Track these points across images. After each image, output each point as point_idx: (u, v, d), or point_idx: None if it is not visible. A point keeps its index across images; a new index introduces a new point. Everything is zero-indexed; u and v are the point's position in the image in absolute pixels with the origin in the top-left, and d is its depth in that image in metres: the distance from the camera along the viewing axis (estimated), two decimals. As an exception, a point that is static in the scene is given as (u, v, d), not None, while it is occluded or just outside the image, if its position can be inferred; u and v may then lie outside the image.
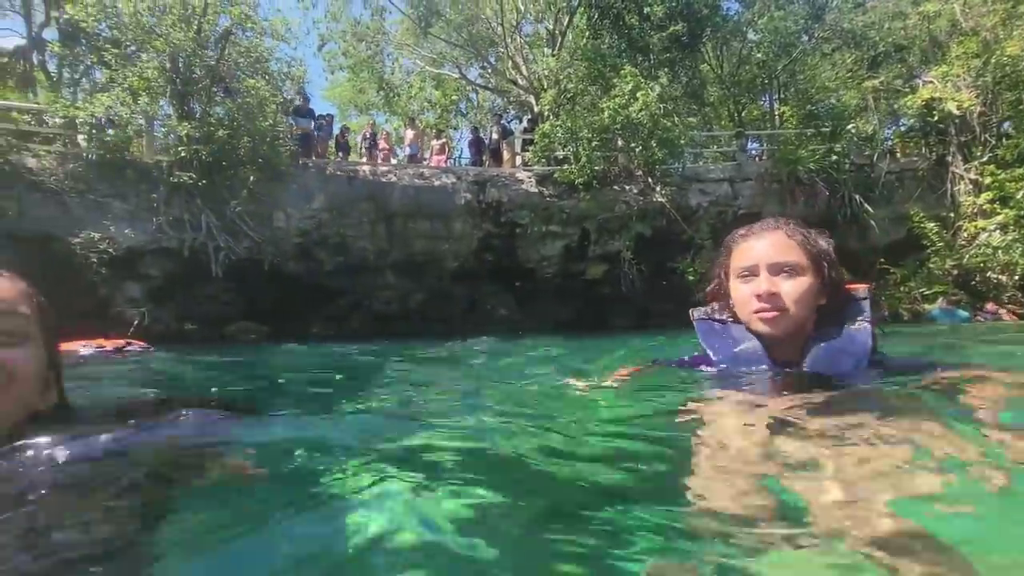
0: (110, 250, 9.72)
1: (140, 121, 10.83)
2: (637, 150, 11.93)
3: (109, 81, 11.09)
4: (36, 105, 11.98)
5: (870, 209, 12.13)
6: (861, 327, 1.39)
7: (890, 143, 13.81)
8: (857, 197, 12.17)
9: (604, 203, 11.93)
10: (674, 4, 12.74)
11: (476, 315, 12.18)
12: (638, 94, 11.12)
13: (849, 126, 12.89)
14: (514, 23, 16.66)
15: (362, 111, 22.10)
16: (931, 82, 12.85)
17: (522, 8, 16.81)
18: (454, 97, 21.97)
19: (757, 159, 14.58)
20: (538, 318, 12.14)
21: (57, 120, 10.86)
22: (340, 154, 13.52)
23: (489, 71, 18.41)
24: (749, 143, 15.40)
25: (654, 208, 11.86)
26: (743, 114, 15.40)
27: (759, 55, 14.29)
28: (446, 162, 13.66)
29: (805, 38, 14.67)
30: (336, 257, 11.40)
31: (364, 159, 13.61)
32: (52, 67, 14.27)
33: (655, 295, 12.03)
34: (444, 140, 14.17)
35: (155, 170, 10.29)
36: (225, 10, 11.24)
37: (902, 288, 11.52)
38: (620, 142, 12.21)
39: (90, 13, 10.64)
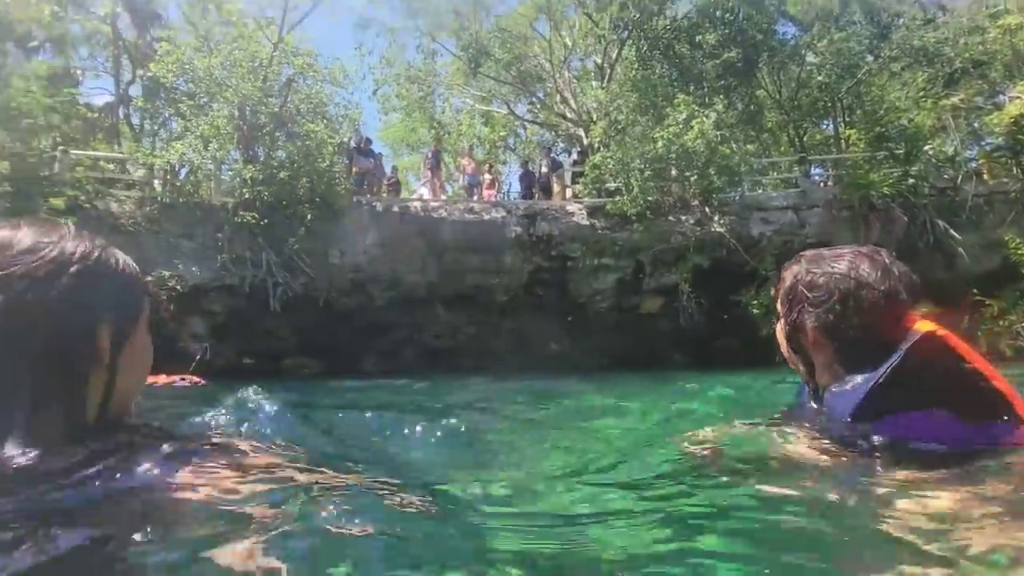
0: (178, 287, 10.16)
1: (210, 166, 11.50)
2: (692, 179, 11.52)
3: (184, 130, 11.90)
4: (120, 155, 12.98)
5: (956, 235, 11.09)
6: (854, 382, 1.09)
7: (975, 164, 12.73)
8: (940, 223, 11.18)
9: (659, 234, 11.51)
10: (727, 31, 12.47)
11: (527, 350, 11.89)
12: (693, 122, 10.79)
13: (926, 147, 11.99)
14: (562, 59, 16.84)
15: (414, 149, 22.79)
16: (1018, 98, 11.84)
17: (570, 44, 17.01)
18: (502, 132, 22.33)
19: (822, 185, 13.79)
20: (591, 354, 11.70)
21: (138, 168, 11.70)
22: (391, 193, 13.87)
23: (537, 106, 18.60)
24: (813, 169, 14.63)
25: (712, 239, 11.32)
26: (804, 139, 14.70)
27: (820, 78, 13.67)
28: (496, 196, 13.71)
29: (870, 58, 13.95)
30: (388, 292, 11.49)
31: (427, 177, 13.92)
32: (135, 120, 15.55)
33: (717, 330, 11.37)
34: (494, 175, 14.28)
35: (221, 211, 10.81)
36: (289, 60, 11.90)
37: (1001, 323, 10.34)
38: (674, 172, 11.85)
39: (170, 70, 11.52)
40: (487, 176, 14.03)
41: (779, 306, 1.27)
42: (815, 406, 1.23)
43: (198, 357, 10.02)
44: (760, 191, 13.26)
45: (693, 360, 11.36)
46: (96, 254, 0.73)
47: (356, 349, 11.10)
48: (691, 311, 11.09)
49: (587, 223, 12.00)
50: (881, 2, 14.59)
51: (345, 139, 13.17)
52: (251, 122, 11.27)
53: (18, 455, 0.62)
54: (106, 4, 14.24)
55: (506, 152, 23.13)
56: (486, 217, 11.95)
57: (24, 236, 0.69)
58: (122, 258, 0.79)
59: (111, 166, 12.04)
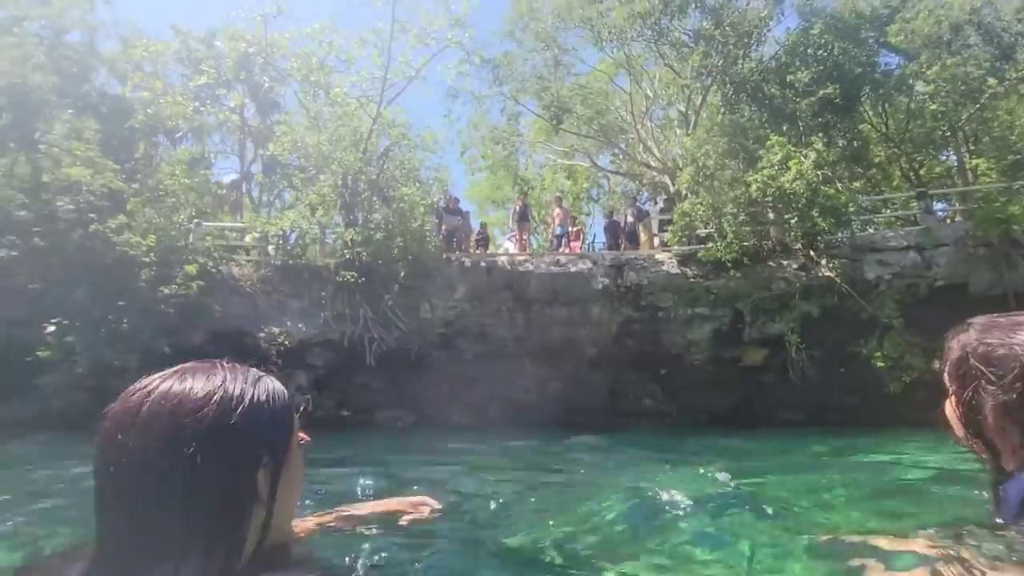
0: (286, 343, 10.90)
1: (316, 230, 12.55)
2: (792, 222, 10.79)
3: (295, 200, 13.17)
4: (241, 224, 14.55)
5: None
6: None
7: None
8: (1110, 258, 9.52)
9: (758, 281, 10.78)
10: (821, 68, 11.89)
11: (618, 404, 11.37)
12: (790, 163, 10.21)
13: (1078, 173, 10.44)
14: (644, 109, 16.90)
15: (499, 206, 23.57)
16: None
17: (651, 95, 17.07)
18: (585, 184, 22.56)
19: (948, 221, 12.37)
20: (689, 409, 10.95)
21: (255, 235, 13.03)
22: (480, 249, 14.32)
23: (620, 156, 18.66)
24: (934, 204, 13.19)
25: (821, 284, 10.40)
26: (921, 172, 13.37)
27: (934, 106, 12.54)
28: (581, 248, 13.65)
29: (993, 81, 12.62)
30: (476, 345, 11.59)
31: (515, 232, 14.24)
32: (255, 193, 17.50)
33: (832, 384, 10.23)
34: (579, 227, 14.29)
35: (325, 271, 11.63)
36: (386, 132, 12.93)
37: None
38: (771, 215, 11.19)
39: (285, 147, 12.93)
40: (572, 228, 14.07)
41: (947, 381, 1.12)
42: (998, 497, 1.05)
43: (302, 408, 10.55)
44: (872, 230, 12.12)
45: (805, 418, 10.24)
46: (252, 392, 0.77)
47: (446, 402, 11.17)
48: (801, 363, 10.08)
49: (678, 271, 11.54)
50: (999, 23, 13.32)
51: (434, 200, 13.89)
52: (352, 189, 12.23)
53: None
54: (236, 97, 16.49)
55: (589, 203, 23.27)
56: (572, 269, 11.87)
57: (194, 387, 0.73)
58: (273, 386, 0.81)
59: (234, 235, 13.50)
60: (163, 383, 0.74)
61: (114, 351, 8.95)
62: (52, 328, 9.02)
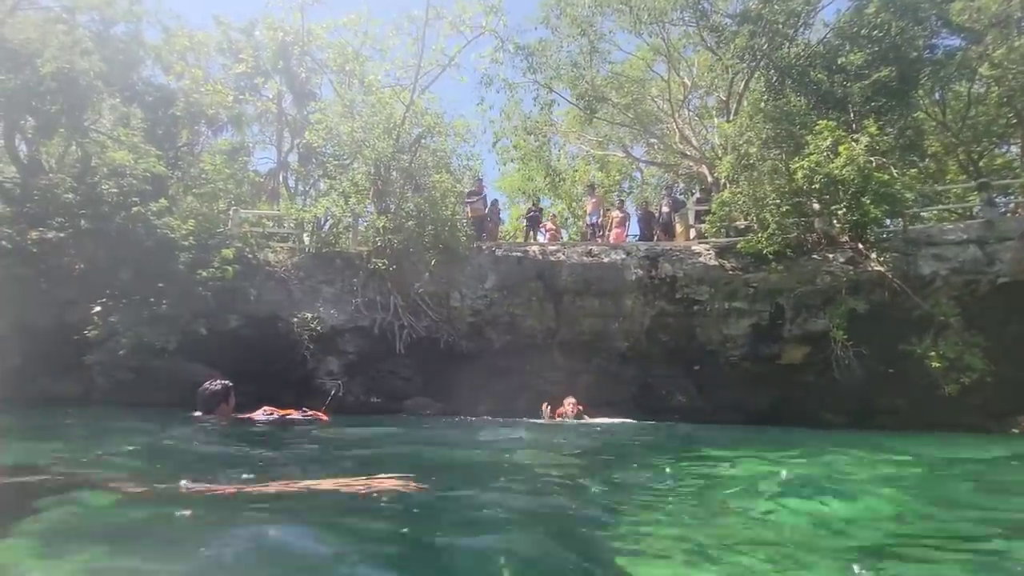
0: (318, 328, 11.00)
1: (349, 218, 12.61)
2: (840, 212, 10.24)
3: (328, 188, 13.27)
4: (277, 212, 14.78)
5: None
6: None
7: None
8: None
9: (801, 275, 10.29)
10: (876, 49, 11.21)
11: (650, 400, 11.07)
12: (840, 148, 9.67)
13: None
14: (681, 97, 16.38)
15: (529, 197, 23.32)
16: None
17: (689, 83, 16.54)
18: (617, 177, 22.09)
19: (1010, 215, 11.54)
20: (723, 407, 10.56)
21: (291, 222, 13.21)
22: (531, 231, 14.35)
23: (655, 146, 18.16)
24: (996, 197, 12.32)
25: (870, 279, 9.85)
26: (980, 164, 12.50)
27: (998, 91, 11.69)
28: (626, 236, 13.31)
29: (1066, 64, 11.68)
30: (505, 336, 11.46)
31: (549, 228, 14.19)
32: (291, 182, 17.76)
33: (880, 385, 9.70)
34: (624, 213, 13.93)
35: (357, 259, 11.69)
36: (419, 120, 12.88)
37: None
38: (817, 205, 10.65)
39: (320, 136, 13.03)
40: (617, 214, 13.69)
41: None
42: None
43: (332, 393, 10.66)
44: (924, 224, 11.43)
45: (848, 421, 9.73)
46: None
47: (474, 392, 11.09)
48: (847, 361, 9.57)
49: (715, 264, 11.13)
50: (1076, 0, 12.30)
51: (465, 189, 13.79)
52: (384, 177, 12.24)
53: None
54: (273, 87, 16.74)
55: (621, 196, 22.80)
56: (605, 260, 11.59)
57: None
58: None
59: (270, 222, 13.73)
60: None
61: (154, 332, 9.18)
62: (98, 308, 9.31)
